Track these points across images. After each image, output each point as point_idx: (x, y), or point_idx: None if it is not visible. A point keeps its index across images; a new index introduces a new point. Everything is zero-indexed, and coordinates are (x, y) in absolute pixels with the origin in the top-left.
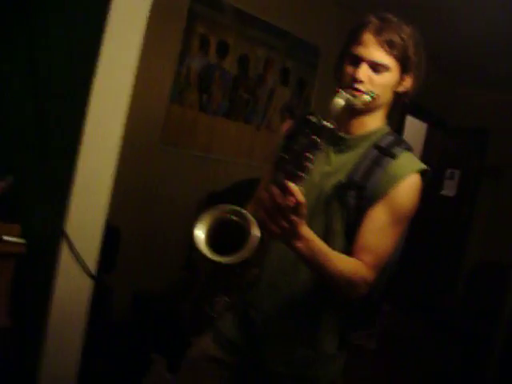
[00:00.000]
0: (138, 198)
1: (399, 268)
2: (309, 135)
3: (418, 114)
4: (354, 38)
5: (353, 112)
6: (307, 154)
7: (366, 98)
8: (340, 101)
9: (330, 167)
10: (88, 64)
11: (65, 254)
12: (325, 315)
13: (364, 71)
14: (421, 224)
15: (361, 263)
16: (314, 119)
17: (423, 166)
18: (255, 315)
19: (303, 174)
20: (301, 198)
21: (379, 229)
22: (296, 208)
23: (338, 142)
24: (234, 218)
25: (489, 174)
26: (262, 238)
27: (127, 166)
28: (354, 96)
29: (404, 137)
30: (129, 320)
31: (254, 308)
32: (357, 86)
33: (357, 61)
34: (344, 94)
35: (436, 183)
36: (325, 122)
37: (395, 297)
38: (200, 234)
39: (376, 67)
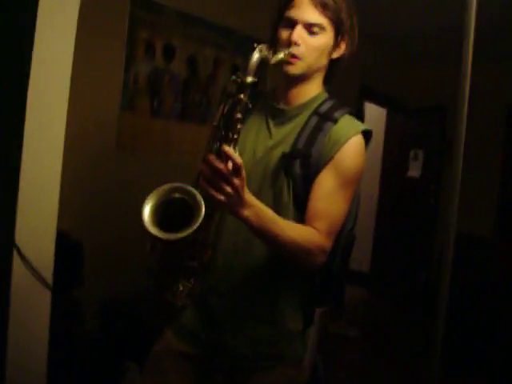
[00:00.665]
0: (98, 209)
1: (375, 253)
2: (234, 95)
3: (376, 100)
4: (287, 2)
5: (289, 81)
6: (235, 114)
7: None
8: (256, 55)
9: (273, 141)
10: (20, 75)
11: (18, 268)
12: (284, 291)
13: (299, 33)
14: (391, 208)
15: (314, 230)
16: (234, 78)
17: (364, 127)
18: (212, 300)
19: (234, 135)
20: (237, 158)
21: (328, 194)
22: (235, 170)
23: (278, 114)
24: (181, 196)
25: (451, 150)
26: (209, 213)
27: (84, 176)
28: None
29: (364, 123)
30: (100, 331)
31: (211, 292)
32: (292, 49)
33: (291, 24)
34: (261, 48)
35: (401, 166)
36: (245, 78)
37: (373, 283)
38: (147, 213)
39: (311, 29)
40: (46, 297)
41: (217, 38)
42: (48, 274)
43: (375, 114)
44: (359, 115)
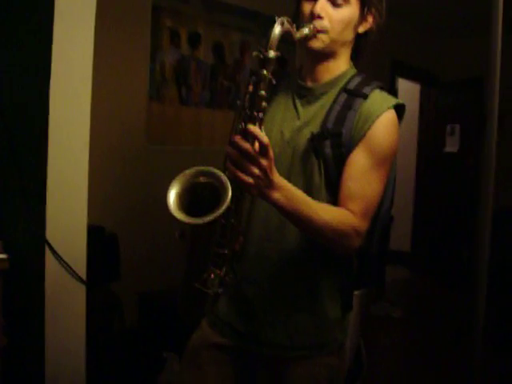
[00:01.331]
0: (131, 202)
1: (415, 232)
2: (257, 71)
3: (408, 75)
4: None
5: (314, 57)
6: (259, 92)
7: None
8: (277, 28)
9: (301, 121)
10: (42, 73)
11: (51, 264)
12: (321, 277)
13: (322, 5)
14: (429, 185)
15: (348, 212)
16: (255, 53)
17: (396, 101)
18: (247, 290)
19: (260, 113)
20: (263, 137)
21: (362, 174)
22: (262, 150)
23: (305, 93)
24: (208, 179)
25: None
26: (238, 197)
27: (117, 170)
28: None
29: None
30: (139, 323)
31: (245, 282)
32: (315, 22)
33: None
34: (283, 21)
35: (438, 141)
36: (268, 52)
37: (414, 262)
38: (172, 198)
39: (334, 0)
40: (80, 291)
41: (242, 22)
42: (81, 268)
43: (409, 89)
44: (392, 91)
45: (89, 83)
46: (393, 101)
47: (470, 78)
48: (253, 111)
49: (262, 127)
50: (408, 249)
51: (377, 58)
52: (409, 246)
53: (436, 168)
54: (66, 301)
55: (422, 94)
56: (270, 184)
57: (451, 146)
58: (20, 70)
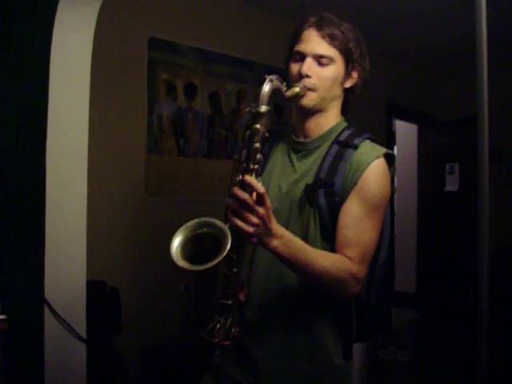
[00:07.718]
0: (132, 255)
1: (420, 273)
2: (250, 126)
3: (405, 117)
4: (296, 38)
5: (305, 114)
6: (253, 145)
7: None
8: (267, 85)
9: (297, 174)
10: (39, 129)
11: (50, 323)
12: (321, 325)
13: (309, 65)
14: (432, 225)
15: (345, 258)
16: (248, 109)
17: (385, 150)
18: (248, 341)
19: (256, 165)
20: (259, 187)
21: (356, 221)
22: (258, 199)
23: (299, 147)
24: (208, 230)
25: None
26: (239, 246)
27: (117, 223)
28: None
29: (397, 141)
30: (143, 378)
31: (247, 333)
32: (304, 81)
33: (301, 57)
34: (274, 80)
35: (438, 181)
36: (259, 107)
37: (420, 303)
38: (175, 248)
39: (320, 60)
40: (81, 350)
41: (237, 71)
42: (81, 326)
43: (406, 130)
44: (389, 132)
45: (85, 137)
46: (382, 150)
47: (466, 117)
48: (249, 163)
49: (259, 178)
50: (413, 290)
51: (373, 101)
52: (414, 287)
53: (437, 207)
54: (66, 360)
55: (420, 134)
56: (269, 232)
57: (451, 184)
58: (17, 125)
